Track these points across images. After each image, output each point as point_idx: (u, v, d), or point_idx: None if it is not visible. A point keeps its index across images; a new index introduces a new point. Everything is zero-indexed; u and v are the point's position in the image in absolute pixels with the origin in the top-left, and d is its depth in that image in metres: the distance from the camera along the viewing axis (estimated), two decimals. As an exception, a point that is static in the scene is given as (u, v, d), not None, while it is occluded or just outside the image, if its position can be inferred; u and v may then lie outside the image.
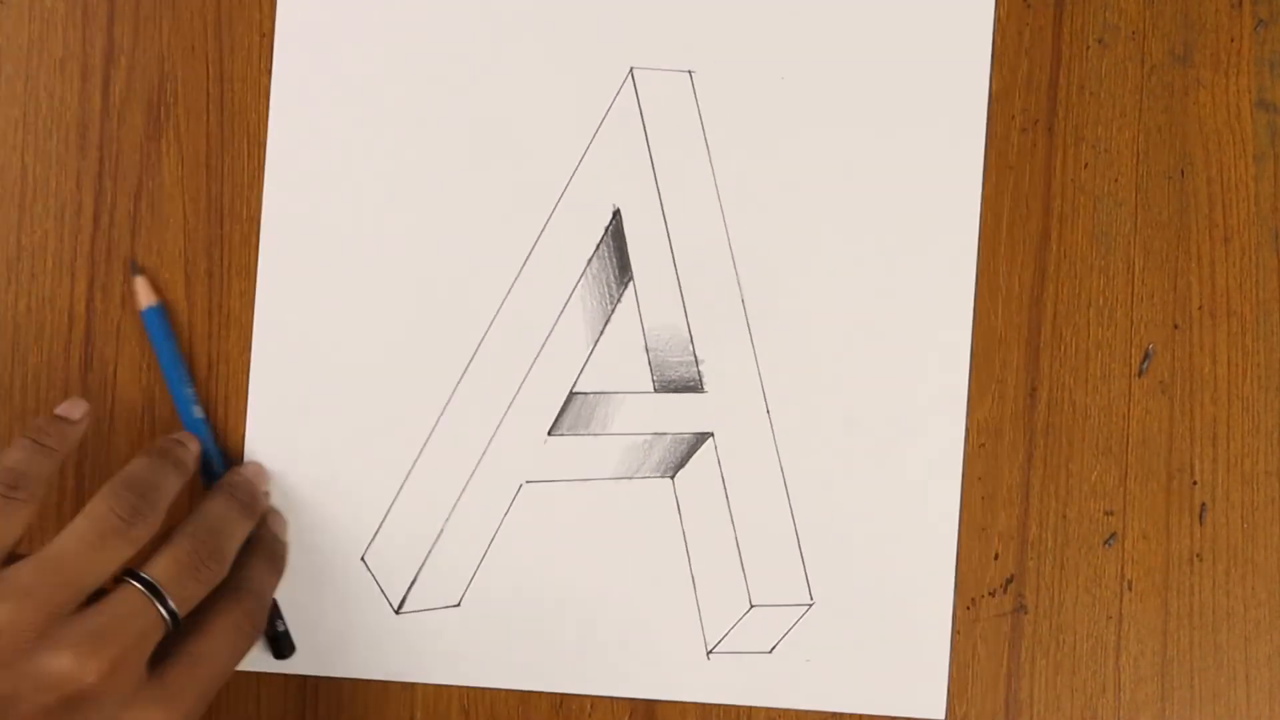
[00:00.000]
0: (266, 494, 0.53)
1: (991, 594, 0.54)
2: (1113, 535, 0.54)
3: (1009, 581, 0.54)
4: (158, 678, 0.46)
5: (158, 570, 0.47)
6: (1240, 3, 0.55)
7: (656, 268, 0.54)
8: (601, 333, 0.54)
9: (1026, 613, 0.54)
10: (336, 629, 0.53)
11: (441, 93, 0.54)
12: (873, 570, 0.54)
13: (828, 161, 0.54)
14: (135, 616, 0.46)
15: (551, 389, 0.54)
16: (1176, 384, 0.54)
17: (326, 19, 0.54)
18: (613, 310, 0.54)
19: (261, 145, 0.54)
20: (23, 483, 0.47)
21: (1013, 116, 0.54)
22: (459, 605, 0.54)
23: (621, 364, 0.54)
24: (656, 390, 0.54)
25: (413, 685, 0.54)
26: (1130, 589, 0.54)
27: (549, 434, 0.54)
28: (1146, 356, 0.54)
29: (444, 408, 0.54)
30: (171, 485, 0.49)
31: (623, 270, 0.54)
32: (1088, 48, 0.55)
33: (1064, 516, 0.54)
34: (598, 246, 0.54)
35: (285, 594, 0.53)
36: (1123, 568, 0.54)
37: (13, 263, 0.53)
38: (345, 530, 0.53)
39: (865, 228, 0.54)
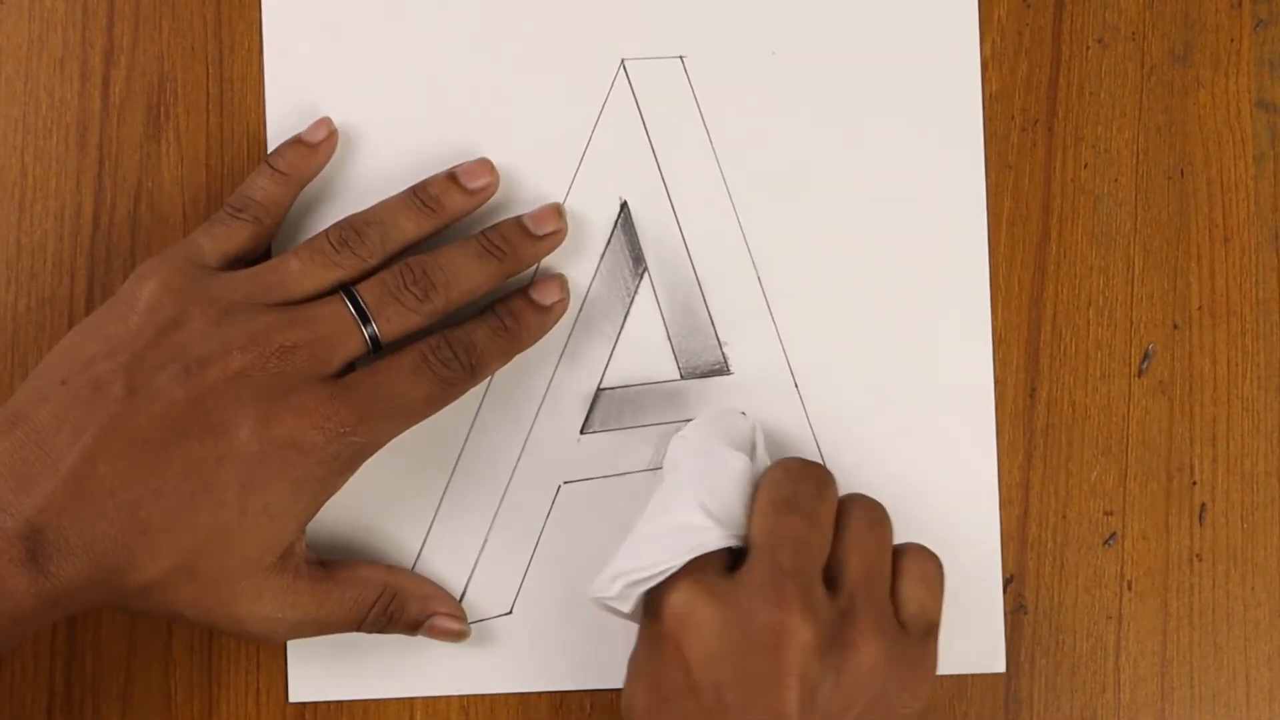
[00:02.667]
0: (538, 245, 0.51)
1: (991, 594, 0.54)
2: (1113, 535, 0.54)
3: (1009, 582, 0.54)
4: (339, 379, 0.47)
5: (364, 288, 0.48)
6: (1240, 3, 0.55)
7: (669, 256, 0.54)
8: (622, 326, 0.54)
9: (1026, 613, 0.54)
10: (391, 649, 0.53)
11: (435, 101, 0.53)
12: (917, 535, 0.53)
13: (828, 135, 0.54)
14: (330, 320, 0.47)
15: (579, 388, 0.54)
16: (1176, 384, 0.54)
17: (315, 21, 0.54)
18: (630, 302, 0.54)
19: (261, 145, 0.54)
20: (248, 206, 0.50)
21: (1012, 116, 0.55)
22: (511, 613, 0.53)
23: (645, 355, 0.54)
24: (683, 377, 0.54)
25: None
26: (1130, 589, 0.54)
27: (581, 433, 0.54)
28: (1146, 356, 0.54)
29: (474, 419, 0.53)
30: (405, 227, 0.50)
31: (636, 262, 0.54)
32: (1087, 48, 0.55)
33: (1064, 516, 0.54)
34: (609, 240, 0.54)
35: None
36: (1123, 568, 0.54)
37: (13, 263, 0.53)
38: (389, 551, 0.53)
39: (873, 196, 0.54)
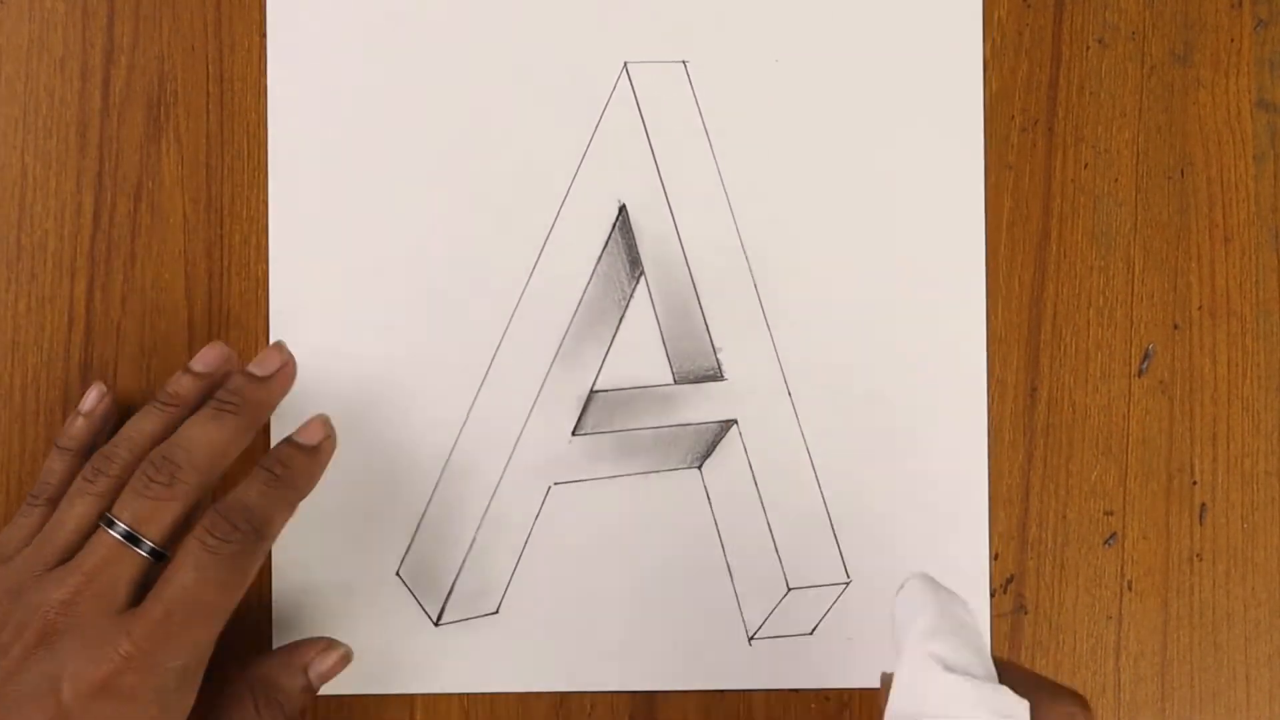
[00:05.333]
0: (267, 387, 0.50)
1: (991, 594, 0.54)
2: (1113, 535, 0.54)
3: (1009, 581, 0.54)
4: (132, 607, 0.46)
5: (116, 505, 0.47)
6: (1240, 3, 0.55)
7: (666, 260, 0.54)
8: (617, 329, 0.54)
9: (1026, 613, 0.54)
10: (377, 646, 0.53)
11: (438, 100, 0.53)
12: (907, 543, 0.54)
13: (828, 144, 0.54)
14: (96, 553, 0.46)
15: (572, 390, 0.54)
16: (1176, 384, 0.54)
17: (317, 22, 0.54)
18: (626, 306, 0.54)
19: (262, 145, 0.54)
20: (43, 491, 0.50)
21: (1012, 117, 0.55)
22: (497, 613, 0.54)
23: (639, 359, 0.54)
24: (676, 382, 0.54)
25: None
26: (1130, 589, 0.54)
27: (573, 434, 0.54)
28: (1146, 356, 0.54)
29: (465, 418, 0.53)
30: (147, 428, 0.49)
31: (633, 265, 0.54)
32: (1088, 48, 0.55)
33: (1064, 516, 0.54)
34: (606, 243, 0.54)
35: (324, 615, 0.53)
36: (1123, 568, 0.54)
37: (13, 263, 0.53)
38: (378, 547, 0.53)
39: (871, 205, 0.54)
